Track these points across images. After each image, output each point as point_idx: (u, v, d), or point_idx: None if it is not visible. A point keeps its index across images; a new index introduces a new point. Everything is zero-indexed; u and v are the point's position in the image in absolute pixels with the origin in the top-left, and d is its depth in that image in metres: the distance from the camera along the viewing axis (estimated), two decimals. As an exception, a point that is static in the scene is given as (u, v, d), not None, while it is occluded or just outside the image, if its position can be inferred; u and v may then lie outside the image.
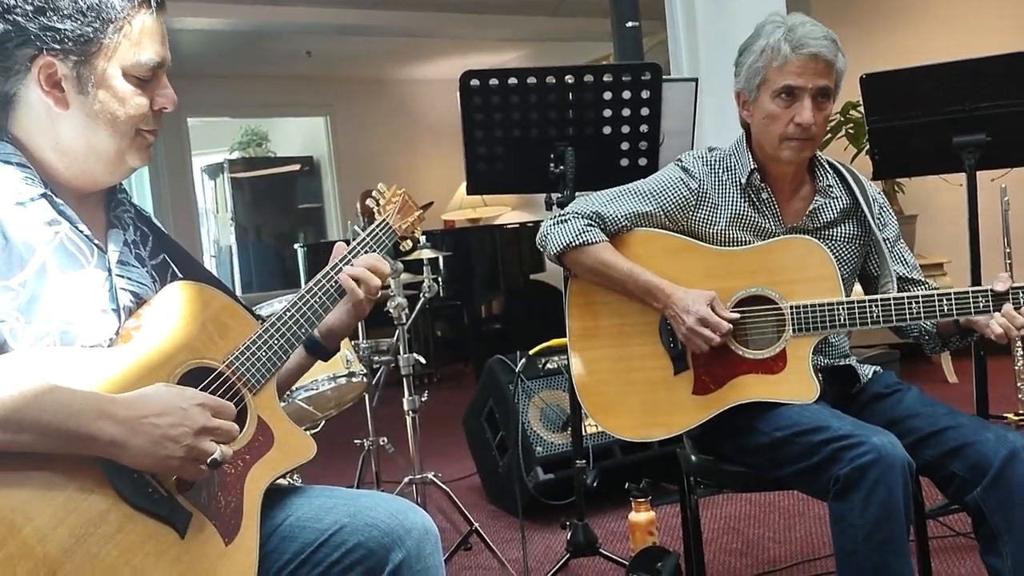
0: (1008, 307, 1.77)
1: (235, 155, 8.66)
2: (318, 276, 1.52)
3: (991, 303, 1.79)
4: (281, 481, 1.43)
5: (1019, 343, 3.85)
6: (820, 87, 1.88)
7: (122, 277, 1.38)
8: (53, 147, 1.34)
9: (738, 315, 1.90)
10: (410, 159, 7.80)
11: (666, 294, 1.91)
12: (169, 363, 1.31)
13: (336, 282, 1.51)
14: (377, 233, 1.62)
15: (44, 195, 1.33)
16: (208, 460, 1.23)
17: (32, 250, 1.28)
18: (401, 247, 1.75)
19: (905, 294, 1.86)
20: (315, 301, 1.49)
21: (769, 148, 1.95)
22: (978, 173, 2.73)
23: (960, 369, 4.75)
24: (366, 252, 1.58)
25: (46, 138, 1.34)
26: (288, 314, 1.46)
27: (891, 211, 2.10)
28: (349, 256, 1.55)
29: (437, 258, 3.28)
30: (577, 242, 1.98)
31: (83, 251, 1.35)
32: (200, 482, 1.27)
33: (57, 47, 1.28)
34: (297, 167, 8.58)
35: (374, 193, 1.72)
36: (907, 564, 1.68)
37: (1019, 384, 3.84)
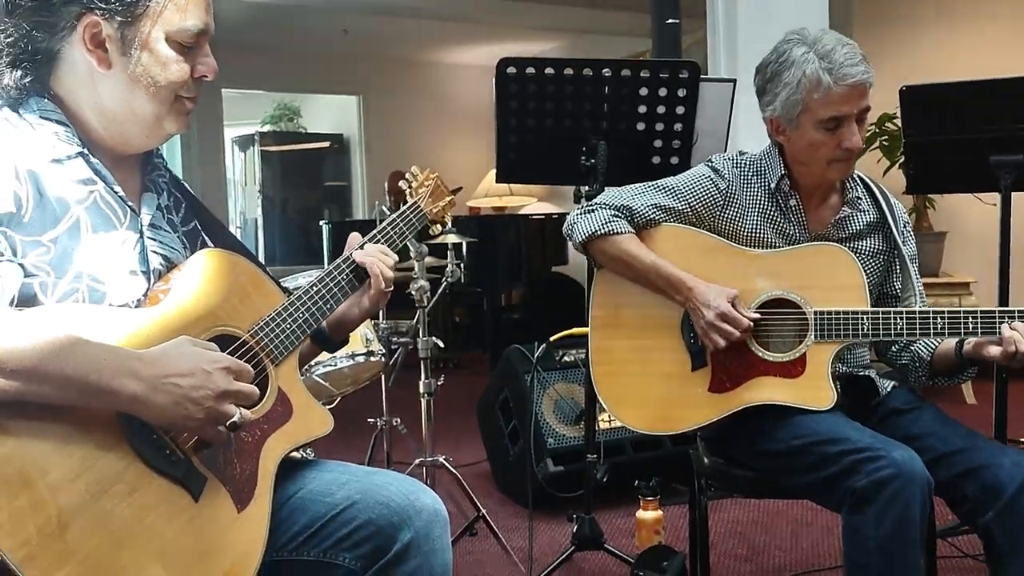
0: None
1: (266, 128, 8.70)
2: (346, 254, 1.52)
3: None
4: (295, 454, 1.44)
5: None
6: (863, 108, 1.87)
7: (153, 240, 1.40)
8: (93, 107, 1.35)
9: (759, 315, 1.89)
10: (440, 143, 7.80)
11: (688, 287, 1.91)
12: (194, 328, 1.32)
13: (359, 266, 1.51)
14: (408, 215, 1.63)
15: (81, 154, 1.34)
16: (228, 423, 1.23)
17: (66, 207, 1.29)
18: (431, 231, 1.75)
19: (931, 308, 1.85)
20: (342, 279, 1.50)
21: (815, 170, 1.94)
22: (1013, 194, 2.70)
23: (979, 391, 4.70)
24: (396, 233, 1.58)
25: (87, 98, 1.35)
26: (315, 289, 1.47)
27: (912, 232, 2.08)
28: (378, 235, 1.56)
29: (461, 244, 3.28)
30: (603, 231, 1.98)
31: (116, 212, 1.36)
32: (217, 447, 1.28)
33: (104, 6, 1.29)
34: (327, 144, 8.60)
35: (407, 175, 1.73)
36: (918, 581, 1.67)
37: (1039, 409, 3.80)
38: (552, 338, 3.19)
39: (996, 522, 1.70)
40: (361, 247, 1.54)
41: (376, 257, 1.51)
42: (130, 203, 1.38)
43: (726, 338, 1.86)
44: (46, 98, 1.35)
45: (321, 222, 6.81)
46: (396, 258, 1.55)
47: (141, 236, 1.38)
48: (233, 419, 1.23)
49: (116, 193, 1.37)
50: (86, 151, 1.35)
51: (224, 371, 1.24)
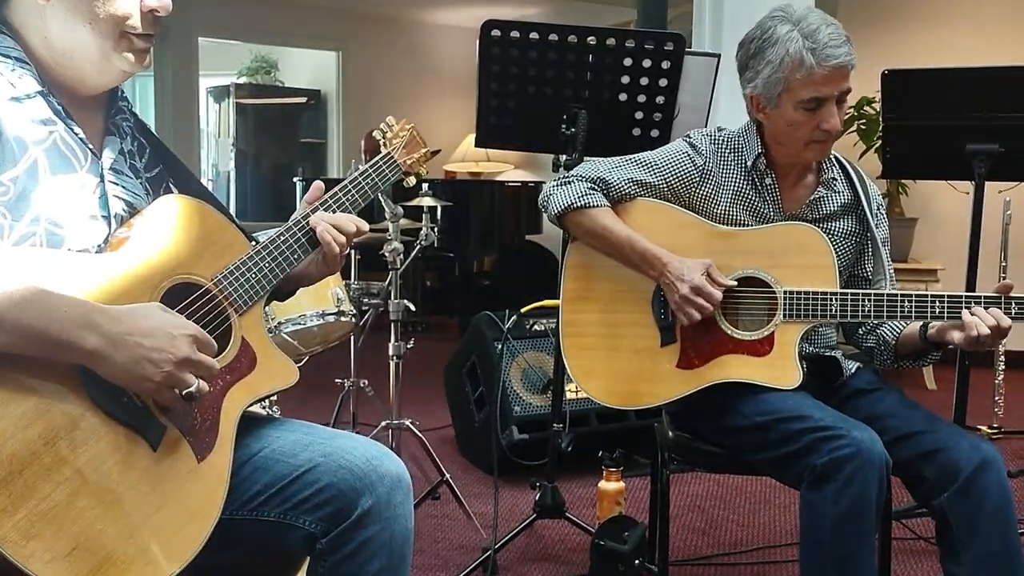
0: (994, 309, 1.76)
1: (242, 80, 8.56)
2: (316, 204, 1.50)
3: (984, 308, 1.78)
4: (260, 411, 1.42)
5: (1001, 356, 3.88)
6: (844, 91, 1.87)
7: (115, 184, 1.36)
8: (42, 41, 1.31)
9: (735, 283, 1.90)
10: (419, 105, 7.70)
11: (662, 262, 1.91)
12: (156, 275, 1.29)
13: (333, 211, 1.48)
14: (380, 165, 1.60)
15: (41, 92, 1.30)
16: (184, 392, 1.22)
17: (24, 147, 1.26)
18: (405, 183, 1.72)
19: (899, 291, 1.86)
20: (309, 229, 1.47)
21: (792, 150, 1.94)
22: (986, 184, 2.72)
23: (940, 377, 4.78)
24: (369, 184, 1.55)
25: (36, 31, 1.31)
26: (281, 239, 1.44)
27: (885, 216, 2.09)
28: (350, 186, 1.52)
29: (436, 207, 3.25)
30: (579, 204, 1.97)
31: (76, 154, 1.32)
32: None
33: None
34: (303, 100, 8.48)
35: (381, 126, 1.69)
36: (871, 559, 1.70)
37: (996, 398, 3.87)
38: (523, 309, 3.19)
39: (950, 503, 1.73)
40: (328, 201, 1.50)
41: (327, 224, 1.45)
42: (91, 146, 1.35)
43: (701, 311, 1.86)
44: (5, 34, 1.31)
45: (295, 179, 6.74)
46: (354, 228, 1.48)
47: (102, 180, 1.35)
48: (190, 388, 1.22)
49: (76, 135, 1.33)
50: (46, 90, 1.31)
51: (189, 338, 1.22)
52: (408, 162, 1.66)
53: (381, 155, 1.61)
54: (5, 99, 1.27)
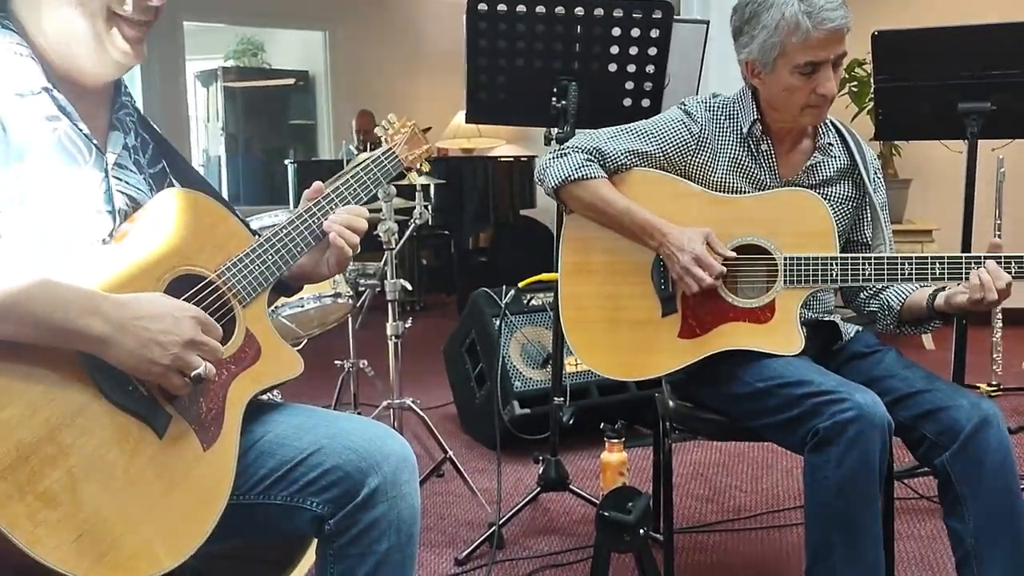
0: (994, 267, 1.75)
1: (229, 63, 8.49)
2: (319, 198, 1.50)
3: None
4: (262, 397, 1.43)
5: (999, 315, 3.89)
6: (840, 54, 1.85)
7: (119, 180, 1.37)
8: (38, 28, 1.31)
9: (734, 253, 1.90)
10: (408, 82, 7.66)
11: (662, 232, 1.90)
12: (159, 266, 1.30)
13: (336, 205, 1.49)
14: (382, 160, 1.61)
15: (46, 89, 1.30)
16: (192, 374, 1.22)
17: (30, 143, 1.26)
18: (408, 180, 1.74)
19: (899, 254, 1.86)
20: (314, 223, 1.47)
21: (788, 115, 1.93)
22: (979, 142, 2.71)
23: (938, 336, 4.79)
24: (371, 179, 1.56)
25: (32, 19, 1.31)
26: (285, 232, 1.45)
27: (882, 180, 2.09)
28: (351, 180, 1.52)
29: (429, 185, 3.25)
30: (575, 176, 1.96)
31: (81, 149, 1.33)
32: (182, 389, 1.26)
33: None
34: (292, 81, 8.42)
35: (383, 123, 1.71)
36: (876, 521, 1.71)
37: (994, 356, 3.89)
38: (521, 284, 3.19)
39: (952, 462, 1.74)
40: (331, 196, 1.50)
41: (341, 226, 1.47)
42: (95, 141, 1.35)
43: (701, 282, 1.86)
44: (13, 31, 1.31)
45: (286, 161, 6.71)
46: (365, 224, 1.50)
47: (106, 175, 1.35)
48: (198, 370, 1.22)
49: (81, 130, 1.33)
50: (51, 86, 1.31)
51: (193, 320, 1.23)
52: (410, 157, 1.67)
53: (383, 149, 1.62)
54: (11, 95, 1.27)
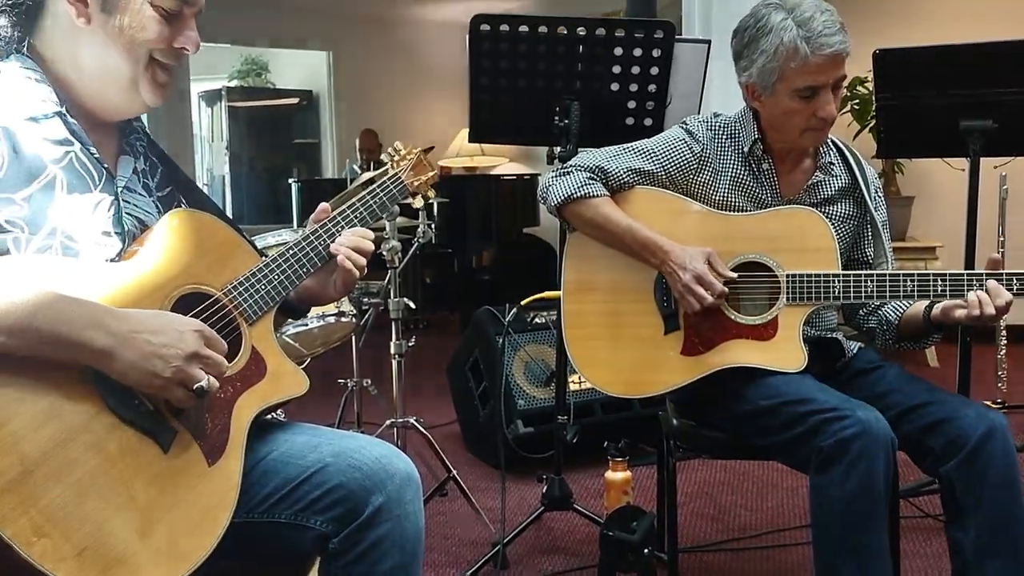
0: (994, 285, 1.76)
1: (234, 83, 8.55)
2: (325, 220, 1.51)
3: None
4: (266, 416, 1.43)
5: (1003, 331, 3.88)
6: (839, 78, 1.86)
7: (128, 203, 1.40)
8: (72, 63, 1.35)
9: (735, 275, 1.90)
10: (411, 102, 7.70)
11: (664, 250, 1.91)
12: (167, 285, 1.32)
13: (342, 228, 1.50)
14: (388, 185, 1.62)
15: (58, 113, 1.33)
16: (195, 387, 1.22)
17: (41, 167, 1.29)
18: (412, 205, 1.75)
19: (901, 271, 1.87)
20: (320, 245, 1.49)
21: (788, 137, 1.94)
22: (982, 160, 2.72)
23: (942, 353, 4.79)
24: (377, 203, 1.57)
25: (66, 52, 1.35)
26: (291, 252, 1.46)
27: (883, 199, 2.09)
28: (358, 205, 1.54)
29: (432, 204, 3.25)
30: (578, 194, 1.97)
31: (92, 173, 1.36)
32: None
33: None
34: (295, 101, 8.47)
35: (390, 150, 1.73)
36: (882, 539, 1.70)
37: (999, 372, 3.88)
38: (523, 302, 3.19)
39: (956, 471, 1.73)
40: (338, 219, 1.51)
41: (348, 248, 1.48)
42: (106, 165, 1.38)
43: (702, 301, 1.86)
44: (27, 56, 1.35)
45: (290, 180, 6.73)
46: (372, 246, 1.53)
47: (116, 198, 1.38)
48: (200, 384, 1.23)
49: (92, 155, 1.36)
50: (64, 111, 1.34)
51: (196, 334, 1.24)
52: (415, 183, 1.69)
53: (388, 175, 1.64)
54: (22, 118, 1.30)
